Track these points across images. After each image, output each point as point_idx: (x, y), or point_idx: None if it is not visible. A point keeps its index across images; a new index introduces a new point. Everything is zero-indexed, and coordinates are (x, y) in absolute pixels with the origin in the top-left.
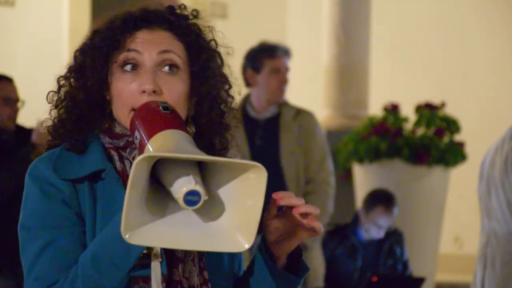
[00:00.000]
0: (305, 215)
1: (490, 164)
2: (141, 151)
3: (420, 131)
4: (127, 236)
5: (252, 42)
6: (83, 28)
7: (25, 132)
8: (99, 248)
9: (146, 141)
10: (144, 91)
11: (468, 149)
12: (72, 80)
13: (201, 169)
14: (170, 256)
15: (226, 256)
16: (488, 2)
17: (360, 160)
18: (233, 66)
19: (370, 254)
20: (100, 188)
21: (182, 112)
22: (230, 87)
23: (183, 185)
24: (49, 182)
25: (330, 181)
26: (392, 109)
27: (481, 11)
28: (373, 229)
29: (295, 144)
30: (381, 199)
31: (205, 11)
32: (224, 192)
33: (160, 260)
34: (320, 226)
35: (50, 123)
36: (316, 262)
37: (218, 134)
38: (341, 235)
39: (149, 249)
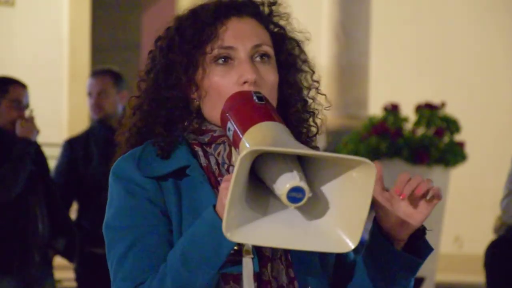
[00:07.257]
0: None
1: None
2: (235, 144)
3: (420, 131)
4: (228, 234)
5: None
6: (83, 28)
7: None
8: (188, 245)
9: (241, 134)
10: (245, 82)
11: (468, 149)
12: (153, 81)
13: (302, 164)
14: (259, 255)
15: (316, 252)
16: (486, 3)
17: None
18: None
19: None
20: (185, 185)
21: (274, 103)
22: (314, 72)
23: (286, 181)
24: (133, 181)
25: None
26: (392, 109)
27: (480, 12)
28: None
29: None
30: None
31: None
32: (328, 189)
33: (252, 256)
34: (439, 190)
35: (126, 132)
36: None
37: (304, 122)
38: None
39: (240, 245)
